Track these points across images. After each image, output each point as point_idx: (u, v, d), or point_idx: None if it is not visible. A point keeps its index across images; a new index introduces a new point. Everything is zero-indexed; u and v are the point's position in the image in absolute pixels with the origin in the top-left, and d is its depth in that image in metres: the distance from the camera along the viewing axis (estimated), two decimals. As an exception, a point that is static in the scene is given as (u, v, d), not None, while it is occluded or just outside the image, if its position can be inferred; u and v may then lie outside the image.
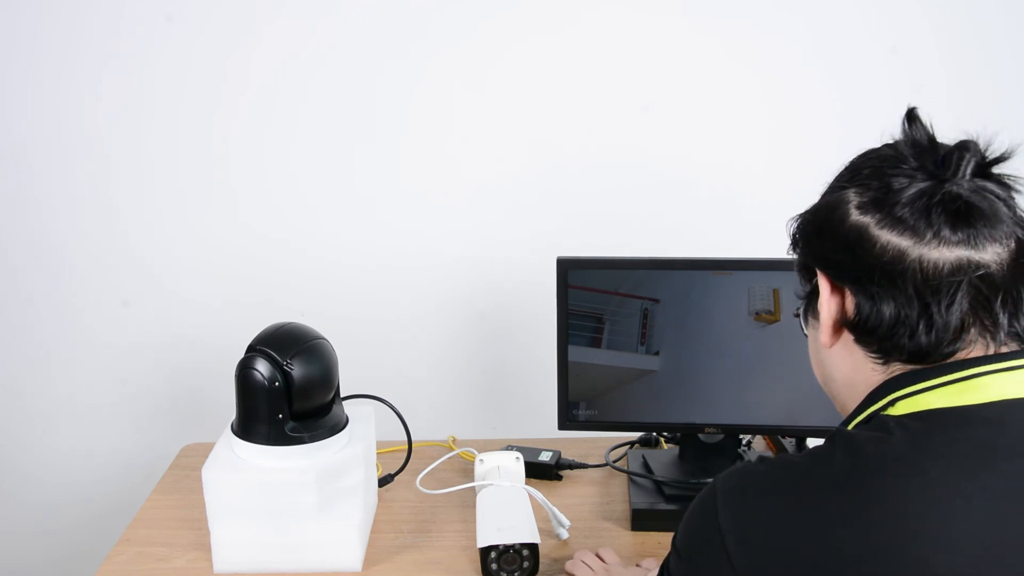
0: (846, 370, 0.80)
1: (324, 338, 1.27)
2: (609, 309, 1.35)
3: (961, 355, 0.73)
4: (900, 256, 0.72)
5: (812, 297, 0.82)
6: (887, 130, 0.80)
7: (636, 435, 1.55)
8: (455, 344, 1.82)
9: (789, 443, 1.48)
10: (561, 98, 1.67)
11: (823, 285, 0.79)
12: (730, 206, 1.72)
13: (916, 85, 1.66)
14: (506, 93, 1.67)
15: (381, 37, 1.64)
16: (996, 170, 0.74)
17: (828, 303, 0.79)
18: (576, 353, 1.37)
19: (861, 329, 0.76)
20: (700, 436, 1.40)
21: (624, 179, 1.71)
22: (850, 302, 0.77)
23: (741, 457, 1.41)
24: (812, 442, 1.46)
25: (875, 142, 0.80)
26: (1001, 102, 1.68)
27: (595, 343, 1.36)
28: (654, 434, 1.55)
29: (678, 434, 1.48)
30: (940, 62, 1.66)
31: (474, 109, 1.68)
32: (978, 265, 0.71)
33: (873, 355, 0.77)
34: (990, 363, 0.72)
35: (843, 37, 1.65)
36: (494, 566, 1.20)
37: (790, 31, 1.65)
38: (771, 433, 1.50)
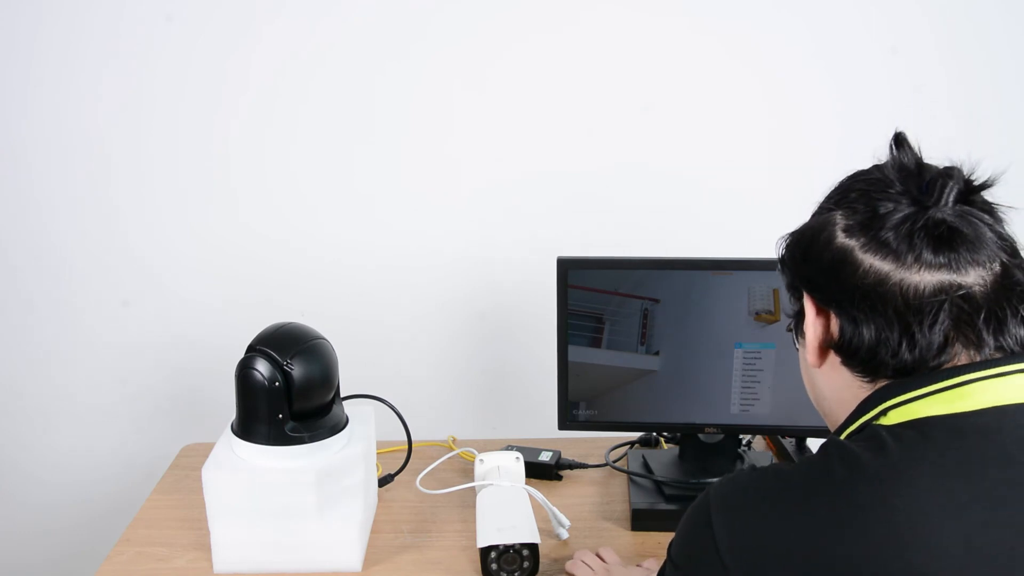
0: (836, 388, 0.81)
1: (324, 338, 1.27)
2: (609, 309, 1.35)
3: (949, 365, 0.73)
4: (882, 280, 0.73)
5: (800, 316, 0.83)
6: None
7: (636, 435, 1.55)
8: (455, 344, 1.82)
9: (789, 443, 1.48)
10: (561, 98, 1.67)
11: (808, 307, 0.80)
12: (730, 206, 1.72)
13: (916, 85, 1.66)
14: (506, 93, 1.67)
15: (381, 37, 1.64)
16: (986, 196, 0.75)
17: (814, 325, 0.80)
18: (576, 353, 1.37)
19: (845, 351, 0.77)
20: (700, 436, 1.40)
21: (624, 179, 1.71)
22: (834, 324, 0.78)
23: (741, 457, 1.41)
24: (812, 442, 1.46)
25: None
26: (1001, 102, 1.68)
27: (595, 343, 1.36)
28: (654, 434, 1.55)
29: (678, 434, 1.48)
30: (940, 62, 1.66)
31: (474, 109, 1.68)
32: (959, 287, 0.72)
33: (860, 375, 0.77)
34: (981, 369, 0.72)
35: (843, 37, 1.65)
36: (494, 566, 1.20)
37: (790, 31, 1.65)
38: (771, 433, 1.50)
